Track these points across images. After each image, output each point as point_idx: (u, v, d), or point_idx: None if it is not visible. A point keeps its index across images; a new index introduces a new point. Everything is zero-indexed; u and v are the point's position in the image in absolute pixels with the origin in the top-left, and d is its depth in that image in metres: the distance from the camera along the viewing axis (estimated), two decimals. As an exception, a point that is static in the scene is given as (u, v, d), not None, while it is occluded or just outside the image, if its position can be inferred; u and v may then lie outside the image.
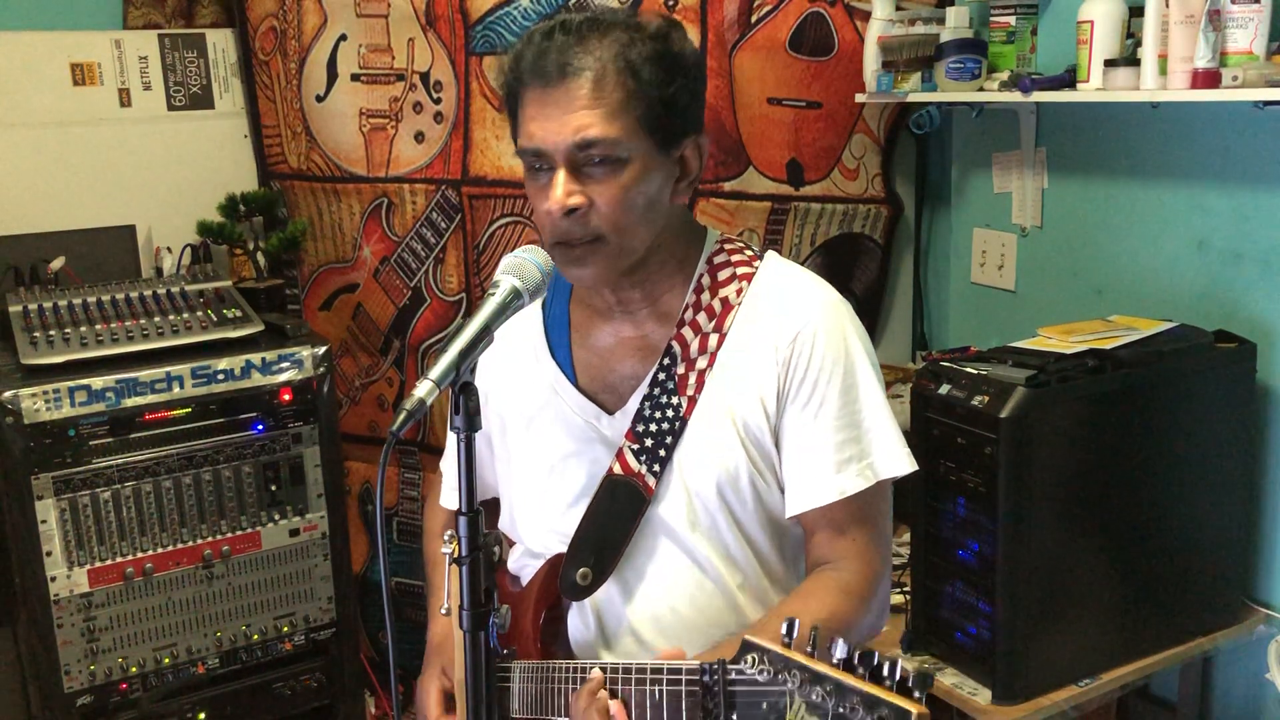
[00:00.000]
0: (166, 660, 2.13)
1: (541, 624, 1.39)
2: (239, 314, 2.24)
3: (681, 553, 1.38)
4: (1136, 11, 2.10)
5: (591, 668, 1.24)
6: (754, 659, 1.02)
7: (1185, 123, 2.19)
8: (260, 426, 2.17)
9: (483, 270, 2.59)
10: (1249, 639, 2.14)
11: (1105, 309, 2.31)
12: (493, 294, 1.16)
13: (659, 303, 1.41)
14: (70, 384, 2.00)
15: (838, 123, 2.63)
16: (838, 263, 2.74)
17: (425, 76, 2.52)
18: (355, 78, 2.54)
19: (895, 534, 2.44)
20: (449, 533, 1.15)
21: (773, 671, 0.99)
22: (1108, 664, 1.98)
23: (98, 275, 2.42)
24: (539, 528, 1.46)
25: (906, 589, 2.13)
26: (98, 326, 2.14)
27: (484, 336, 1.12)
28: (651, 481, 1.36)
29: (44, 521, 1.99)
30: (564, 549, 1.40)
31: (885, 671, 0.92)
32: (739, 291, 1.39)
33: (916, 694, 0.89)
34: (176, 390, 2.09)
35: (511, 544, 1.52)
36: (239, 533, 2.17)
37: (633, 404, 1.39)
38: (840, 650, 0.95)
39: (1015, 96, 2.27)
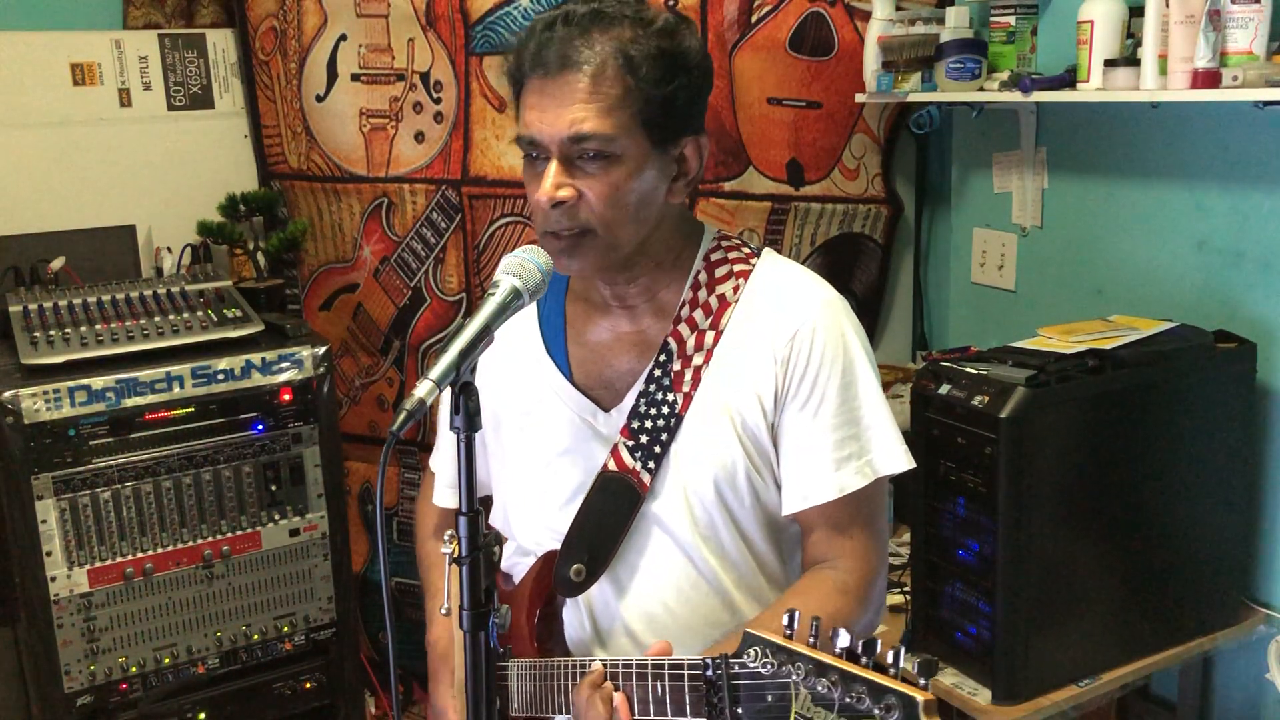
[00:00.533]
0: (166, 660, 2.13)
1: (536, 621, 1.39)
2: (239, 314, 2.24)
3: (676, 550, 1.38)
4: (1136, 11, 2.10)
5: (591, 663, 1.24)
6: (757, 652, 1.02)
7: (1185, 123, 2.19)
8: (260, 426, 2.17)
9: (483, 270, 2.59)
10: (1249, 639, 2.14)
11: (1105, 309, 2.31)
12: (493, 294, 1.16)
13: (656, 298, 1.41)
14: (70, 384, 2.00)
15: (838, 123, 2.63)
16: (838, 263, 2.74)
17: (425, 76, 2.52)
18: (355, 78, 2.54)
19: (895, 534, 2.46)
20: (449, 533, 1.15)
21: (777, 664, 1.00)
22: (1108, 664, 1.98)
23: (98, 275, 2.43)
24: (533, 525, 1.46)
25: (906, 589, 2.13)
26: (98, 326, 2.14)
27: (484, 336, 1.12)
28: (646, 478, 1.36)
29: (44, 521, 1.99)
30: (558, 546, 1.40)
31: (890, 660, 0.92)
32: (736, 289, 1.39)
33: (922, 681, 0.90)
34: (177, 390, 2.09)
35: (503, 541, 1.52)
36: (239, 533, 2.17)
37: (628, 400, 1.39)
38: (843, 640, 0.95)
39: (1015, 96, 2.27)
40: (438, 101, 2.53)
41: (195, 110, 2.59)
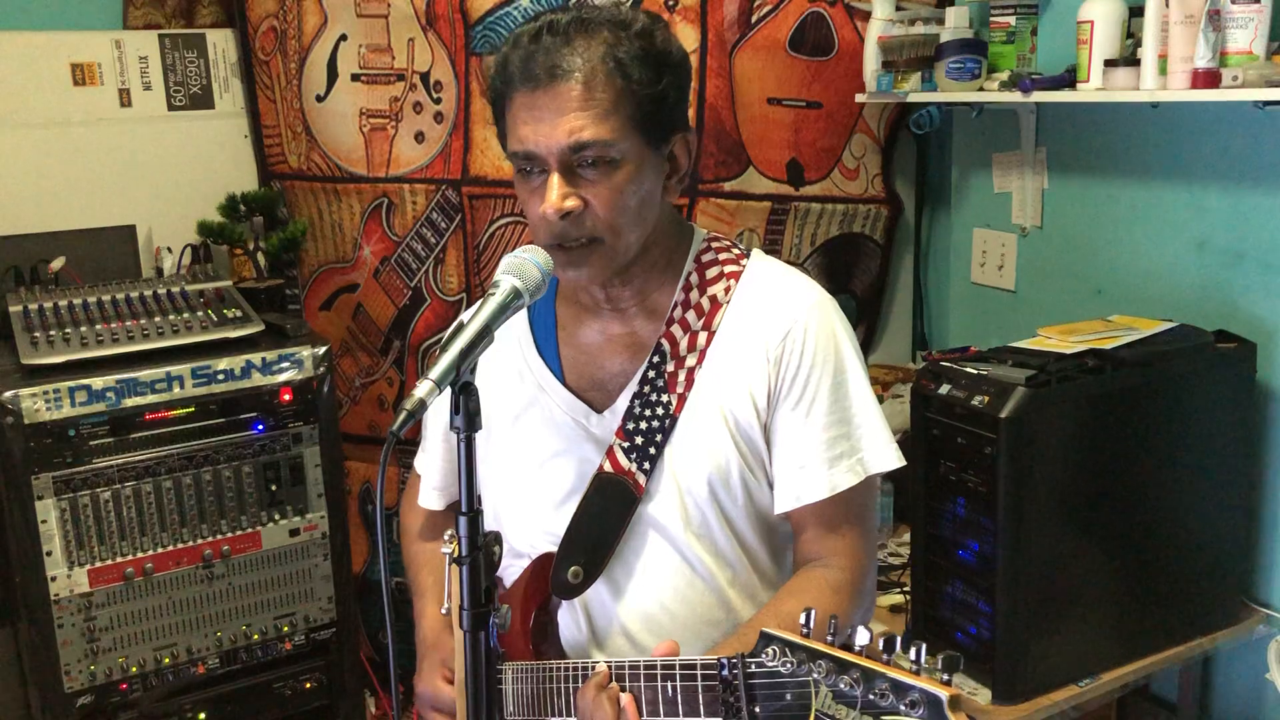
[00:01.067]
0: (166, 660, 2.13)
1: (531, 624, 1.39)
2: (239, 314, 2.24)
3: (672, 550, 1.38)
4: (1136, 11, 2.10)
5: (594, 665, 1.24)
6: (775, 650, 1.02)
7: (1185, 123, 2.20)
8: (260, 426, 2.17)
9: (483, 270, 2.59)
10: (1249, 639, 2.14)
11: (1105, 309, 2.31)
12: (493, 294, 1.16)
13: (648, 300, 1.41)
14: (70, 384, 2.00)
15: (838, 123, 2.63)
16: (838, 263, 2.74)
17: (425, 76, 2.52)
18: (355, 78, 2.54)
19: (895, 534, 2.46)
20: (449, 532, 1.15)
21: (796, 662, 0.99)
22: (1108, 664, 1.98)
23: (98, 275, 2.42)
24: (526, 527, 1.45)
25: (906, 589, 2.13)
26: (98, 326, 2.13)
27: (484, 336, 1.12)
28: (642, 480, 1.36)
29: (44, 521, 1.99)
30: (552, 548, 1.40)
31: (912, 656, 0.92)
32: (728, 290, 1.40)
33: (945, 677, 0.89)
34: (177, 390, 2.09)
35: (502, 541, 1.52)
36: (239, 533, 2.17)
37: (622, 402, 1.39)
38: (863, 637, 0.95)
39: (1015, 96, 2.27)
40: (438, 101, 2.53)
41: (195, 110, 2.59)
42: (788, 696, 1.01)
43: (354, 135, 2.57)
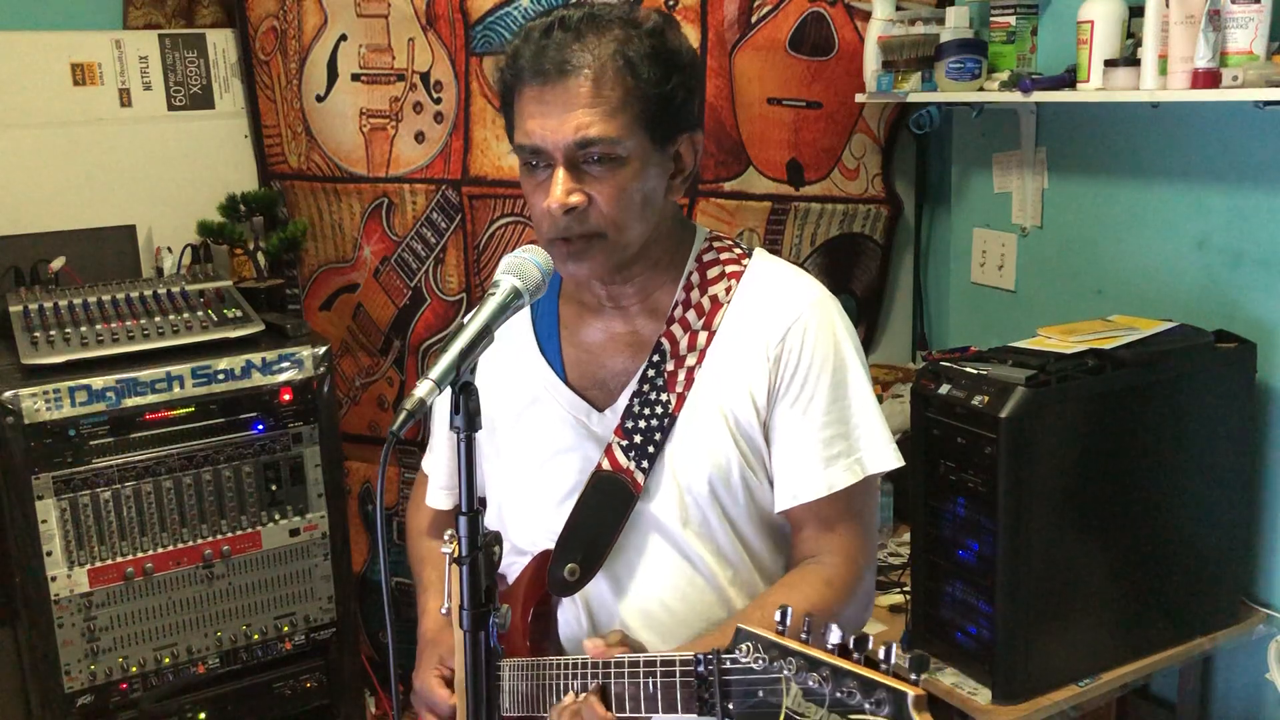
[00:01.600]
0: (166, 660, 2.13)
1: (530, 621, 1.39)
2: (239, 314, 2.24)
3: (671, 548, 1.39)
4: (1136, 11, 2.10)
5: (584, 662, 1.24)
6: (749, 647, 1.02)
7: (1185, 123, 2.20)
8: (260, 426, 2.17)
9: (483, 270, 2.59)
10: (1249, 639, 2.14)
11: (1105, 309, 2.31)
12: (493, 294, 1.16)
13: (649, 299, 1.42)
14: (70, 384, 2.00)
15: (838, 123, 2.63)
16: (838, 263, 2.74)
17: (425, 77, 2.52)
18: (355, 78, 2.54)
19: (895, 534, 2.46)
20: (449, 532, 1.15)
21: (768, 659, 1.00)
22: (1108, 664, 1.98)
23: (98, 275, 2.42)
24: (527, 525, 1.46)
25: (906, 589, 2.13)
26: (98, 326, 2.14)
27: (485, 336, 1.13)
28: (640, 478, 1.37)
29: (44, 521, 1.99)
30: (553, 546, 1.40)
31: (881, 655, 0.92)
32: (728, 289, 1.40)
33: (914, 676, 0.90)
34: (177, 390, 2.09)
35: (502, 541, 1.52)
36: (239, 533, 2.17)
37: (622, 401, 1.40)
38: (834, 636, 0.95)
39: (1015, 96, 2.27)
40: (438, 102, 2.53)
41: (195, 110, 2.59)
42: (760, 693, 1.01)
43: (354, 135, 2.57)
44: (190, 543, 2.13)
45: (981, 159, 2.67)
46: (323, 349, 2.21)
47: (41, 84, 2.43)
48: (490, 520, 1.52)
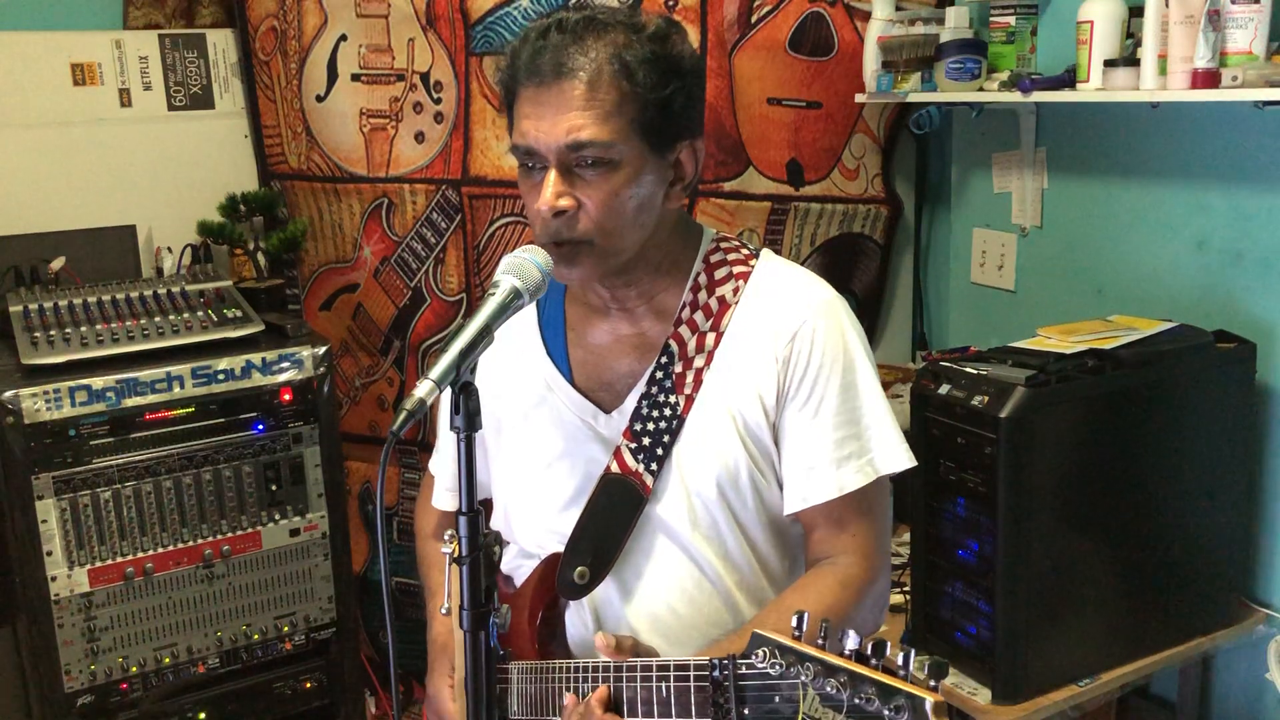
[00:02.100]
0: (166, 660, 2.13)
1: (538, 624, 1.39)
2: (239, 314, 2.24)
3: (680, 552, 1.38)
4: (1136, 11, 2.10)
5: (592, 665, 1.24)
6: (765, 653, 1.02)
7: (1185, 123, 2.19)
8: (260, 426, 2.17)
9: (483, 270, 2.59)
10: (1249, 639, 2.14)
11: (1105, 309, 2.31)
12: (493, 294, 1.16)
13: (655, 300, 1.41)
14: (70, 384, 2.00)
15: (838, 123, 2.63)
16: (838, 263, 2.74)
17: (425, 77, 2.52)
18: (355, 78, 2.54)
19: (895, 534, 2.45)
20: (449, 532, 1.15)
21: (785, 665, 1.00)
22: (1108, 664, 1.98)
23: (98, 275, 2.42)
24: (534, 527, 1.46)
25: (906, 589, 2.13)
26: (98, 326, 2.14)
27: (484, 336, 1.12)
28: (649, 480, 1.36)
29: (44, 521, 1.99)
30: (560, 548, 1.40)
31: (900, 661, 0.92)
32: (736, 290, 1.39)
33: (932, 683, 0.89)
34: (177, 390, 2.09)
35: (504, 545, 1.52)
36: (239, 533, 2.17)
37: (630, 403, 1.39)
38: (852, 641, 0.95)
39: (1015, 96, 2.27)
40: (438, 102, 2.53)
41: (195, 110, 2.59)
42: (776, 699, 1.01)
43: (354, 135, 2.57)
44: (190, 543, 2.13)
45: (981, 159, 2.67)
46: (323, 349, 2.21)
47: (41, 84, 2.43)
48: (498, 523, 1.52)
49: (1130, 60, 2.06)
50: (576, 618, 1.41)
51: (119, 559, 2.06)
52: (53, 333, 2.09)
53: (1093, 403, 1.89)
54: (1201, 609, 2.08)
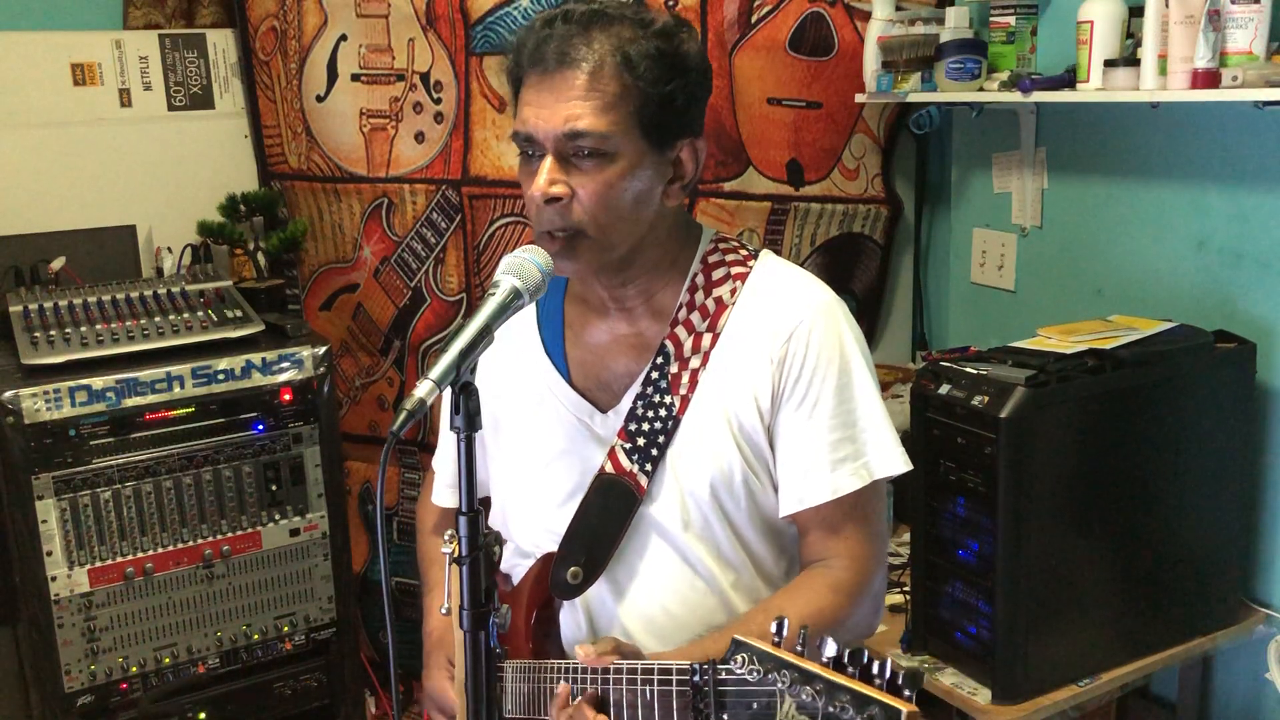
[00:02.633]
0: (167, 660, 2.13)
1: (533, 623, 1.39)
2: (239, 314, 2.24)
3: (673, 552, 1.38)
4: (1136, 11, 2.10)
5: (589, 666, 1.24)
6: (744, 659, 1.02)
7: (1185, 123, 2.20)
8: (260, 426, 2.17)
9: (483, 270, 2.59)
10: (1249, 639, 2.14)
11: (1105, 309, 2.31)
12: (493, 294, 1.16)
13: (654, 300, 1.41)
14: (70, 384, 2.00)
15: (838, 123, 2.63)
16: (838, 263, 2.74)
17: (425, 77, 2.52)
18: (355, 78, 2.54)
19: (895, 534, 2.45)
20: (449, 532, 1.15)
21: (763, 671, 1.00)
22: (1108, 664, 1.98)
23: (98, 275, 2.42)
24: (530, 526, 1.46)
25: (906, 589, 2.13)
26: (98, 326, 2.14)
27: (484, 336, 1.12)
28: (643, 481, 1.36)
29: (44, 521, 1.99)
30: (555, 548, 1.40)
31: (875, 670, 0.92)
32: (733, 291, 1.39)
33: (907, 692, 0.90)
34: (177, 390, 2.09)
35: (503, 541, 1.52)
36: (239, 533, 2.17)
37: (625, 402, 1.39)
38: (830, 649, 0.95)
39: (1015, 96, 2.27)
40: (438, 102, 2.53)
41: (195, 110, 2.59)
42: (754, 705, 1.01)
43: (354, 135, 2.57)
44: (190, 543, 2.13)
45: (981, 159, 2.67)
46: (323, 349, 2.21)
47: (41, 84, 2.43)
48: (496, 521, 1.52)
49: (1130, 60, 2.06)
50: (570, 618, 1.42)
51: (119, 559, 2.07)
52: (53, 333, 2.09)
53: (1093, 403, 1.89)
54: (1201, 609, 2.08)
